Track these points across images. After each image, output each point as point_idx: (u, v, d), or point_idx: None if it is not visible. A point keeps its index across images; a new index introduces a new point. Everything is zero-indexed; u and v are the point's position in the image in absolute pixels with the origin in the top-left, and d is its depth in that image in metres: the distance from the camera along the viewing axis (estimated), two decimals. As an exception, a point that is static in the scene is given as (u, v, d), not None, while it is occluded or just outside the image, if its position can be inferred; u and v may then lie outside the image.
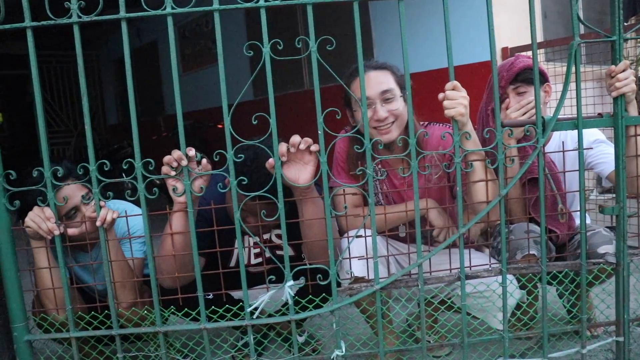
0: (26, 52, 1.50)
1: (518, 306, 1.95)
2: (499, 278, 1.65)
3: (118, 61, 9.42)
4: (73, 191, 1.87)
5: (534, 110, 1.92)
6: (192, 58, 7.68)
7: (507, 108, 2.01)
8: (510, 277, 1.81)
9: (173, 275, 1.69)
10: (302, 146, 1.58)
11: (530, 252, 1.86)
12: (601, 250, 1.86)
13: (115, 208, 2.02)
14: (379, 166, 2.04)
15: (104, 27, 8.81)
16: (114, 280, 1.77)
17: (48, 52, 8.99)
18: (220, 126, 1.51)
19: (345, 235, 1.83)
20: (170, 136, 6.35)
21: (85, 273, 2.11)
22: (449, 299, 1.99)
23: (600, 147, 2.02)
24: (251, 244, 2.12)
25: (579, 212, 1.68)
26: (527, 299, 1.99)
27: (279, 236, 2.10)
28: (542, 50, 3.80)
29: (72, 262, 2.09)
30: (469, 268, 1.68)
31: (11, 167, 1.57)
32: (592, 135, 2.06)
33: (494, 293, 1.72)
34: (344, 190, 1.87)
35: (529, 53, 1.94)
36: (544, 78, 2.07)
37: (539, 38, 4.36)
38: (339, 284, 1.62)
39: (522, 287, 1.90)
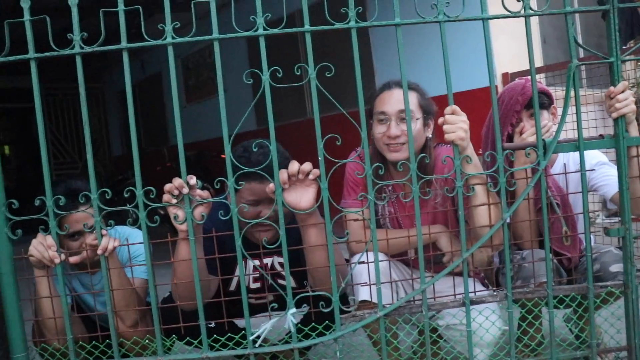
0: (32, 85, 1.52)
1: (524, 332, 1.92)
2: (479, 307, 1.62)
3: (122, 93, 9.54)
4: (85, 217, 1.86)
5: (548, 133, 1.93)
6: (195, 89, 7.78)
7: (521, 132, 2.02)
8: (493, 306, 1.78)
9: (191, 302, 1.66)
10: (300, 176, 1.57)
11: (545, 281, 1.83)
12: (613, 268, 1.83)
13: (119, 233, 2.02)
14: (389, 189, 2.03)
15: (109, 59, 8.96)
16: (117, 302, 1.77)
17: (53, 85, 9.14)
18: (223, 156, 1.53)
19: (351, 260, 1.81)
20: (174, 167, 6.40)
21: (90, 296, 2.10)
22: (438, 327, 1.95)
23: (603, 169, 2.01)
24: (250, 268, 2.10)
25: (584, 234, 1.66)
26: (536, 324, 1.96)
27: (281, 264, 2.09)
28: (542, 75, 3.82)
29: (75, 283, 2.09)
30: (473, 293, 1.66)
31: (17, 199, 1.57)
32: (594, 157, 2.05)
33: (475, 322, 1.68)
34: (362, 212, 1.83)
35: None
36: (550, 100, 2.08)
37: (539, 63, 4.40)
38: (343, 311, 1.60)
39: (528, 312, 1.87)
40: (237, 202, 1.86)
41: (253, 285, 2.14)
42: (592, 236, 2.02)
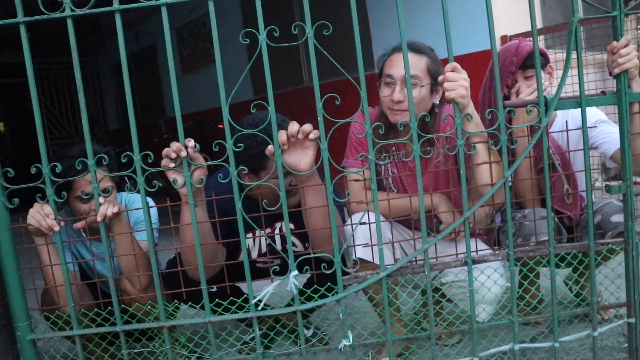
0: (24, 57, 1.48)
1: (526, 290, 1.93)
2: (482, 266, 1.62)
3: (117, 66, 9.45)
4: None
5: (545, 92, 1.91)
6: (190, 60, 7.69)
7: (517, 93, 2.00)
8: (495, 265, 1.78)
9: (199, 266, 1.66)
10: (300, 136, 1.55)
11: (546, 239, 1.83)
12: (614, 219, 1.83)
13: (126, 199, 2.01)
14: (394, 148, 2.01)
15: (103, 32, 8.83)
16: (127, 266, 1.79)
17: (47, 60, 9.02)
18: (220, 126, 1.51)
19: (350, 220, 1.81)
20: (170, 138, 6.34)
21: (99, 262, 2.10)
22: (441, 287, 1.96)
23: (603, 127, 2.00)
24: (262, 234, 2.10)
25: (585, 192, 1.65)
26: (537, 283, 1.97)
27: (291, 228, 2.08)
28: (541, 37, 3.77)
29: (82, 249, 2.10)
30: (475, 253, 1.66)
31: (15, 173, 1.56)
32: (594, 115, 2.03)
33: (477, 281, 1.69)
34: (362, 172, 1.81)
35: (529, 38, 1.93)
36: (545, 59, 2.06)
37: (538, 25, 4.34)
38: (345, 273, 1.60)
39: (529, 271, 1.88)
40: (266, 175, 1.86)
41: (265, 250, 2.14)
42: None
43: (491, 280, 1.74)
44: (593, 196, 2.24)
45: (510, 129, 1.59)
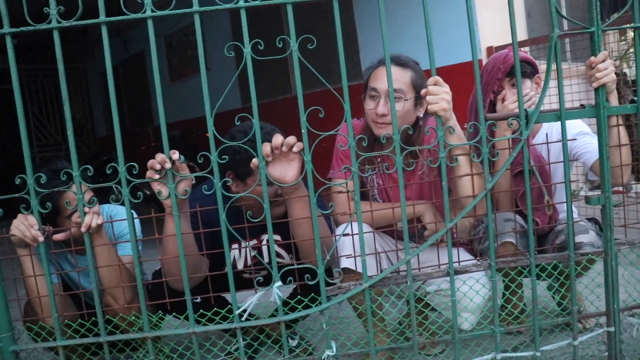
0: (9, 65, 1.49)
1: (508, 300, 1.95)
2: (464, 276, 1.65)
3: (105, 74, 9.41)
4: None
5: (530, 102, 1.95)
6: (179, 67, 7.69)
7: (503, 100, 2.03)
8: (477, 275, 1.80)
9: (182, 278, 1.66)
10: (284, 148, 1.56)
11: (508, 240, 1.86)
12: (578, 239, 1.86)
13: (104, 211, 2.00)
14: (379, 160, 2.03)
15: (91, 40, 8.82)
16: (108, 281, 1.77)
17: (34, 67, 8.97)
18: (208, 135, 1.52)
19: (335, 232, 1.82)
20: (159, 146, 6.32)
21: (82, 276, 2.10)
22: (425, 296, 1.98)
23: (584, 139, 2.03)
24: (247, 245, 2.10)
25: (564, 204, 1.68)
26: (519, 293, 1.99)
27: (276, 240, 2.09)
28: (526, 48, 3.82)
29: (63, 263, 2.08)
30: (457, 263, 1.68)
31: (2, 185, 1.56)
32: (577, 127, 2.07)
33: (459, 292, 1.71)
34: (346, 184, 1.83)
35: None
36: (534, 69, 2.09)
37: (523, 36, 4.40)
38: (329, 284, 1.61)
39: (510, 281, 1.90)
40: (252, 184, 1.87)
41: (251, 263, 2.14)
42: (573, 207, 2.05)
43: (473, 290, 1.76)
44: (576, 212, 2.28)
45: (491, 142, 1.61)
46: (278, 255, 2.07)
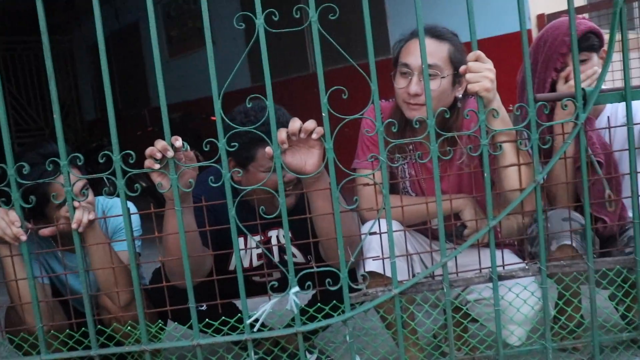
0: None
1: (562, 311, 1.94)
2: (509, 283, 1.65)
3: (94, 47, 9.50)
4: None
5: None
6: (179, 41, 7.70)
7: (567, 79, 2.00)
8: (526, 281, 1.79)
9: (183, 280, 1.68)
10: (302, 135, 1.57)
11: (567, 243, 1.85)
12: None
13: (104, 204, 2.02)
14: (411, 147, 2.03)
15: (77, 9, 8.87)
16: (105, 281, 1.80)
17: (12, 39, 8.99)
18: (213, 118, 1.53)
19: (361, 229, 1.82)
20: (156, 131, 6.39)
21: (73, 277, 2.11)
22: (465, 305, 1.99)
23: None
24: (252, 244, 2.12)
25: (629, 199, 1.67)
26: (575, 303, 1.98)
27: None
28: (585, 15, 3.77)
29: (53, 262, 2.10)
30: (502, 267, 1.68)
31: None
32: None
33: (504, 300, 1.71)
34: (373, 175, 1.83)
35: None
36: (601, 42, 2.06)
37: (582, 1, 4.34)
38: (353, 290, 1.62)
39: (564, 289, 1.89)
40: (255, 172, 1.88)
41: (257, 263, 2.16)
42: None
43: (520, 298, 1.76)
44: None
45: (542, 126, 1.61)
46: (292, 255, 2.08)
